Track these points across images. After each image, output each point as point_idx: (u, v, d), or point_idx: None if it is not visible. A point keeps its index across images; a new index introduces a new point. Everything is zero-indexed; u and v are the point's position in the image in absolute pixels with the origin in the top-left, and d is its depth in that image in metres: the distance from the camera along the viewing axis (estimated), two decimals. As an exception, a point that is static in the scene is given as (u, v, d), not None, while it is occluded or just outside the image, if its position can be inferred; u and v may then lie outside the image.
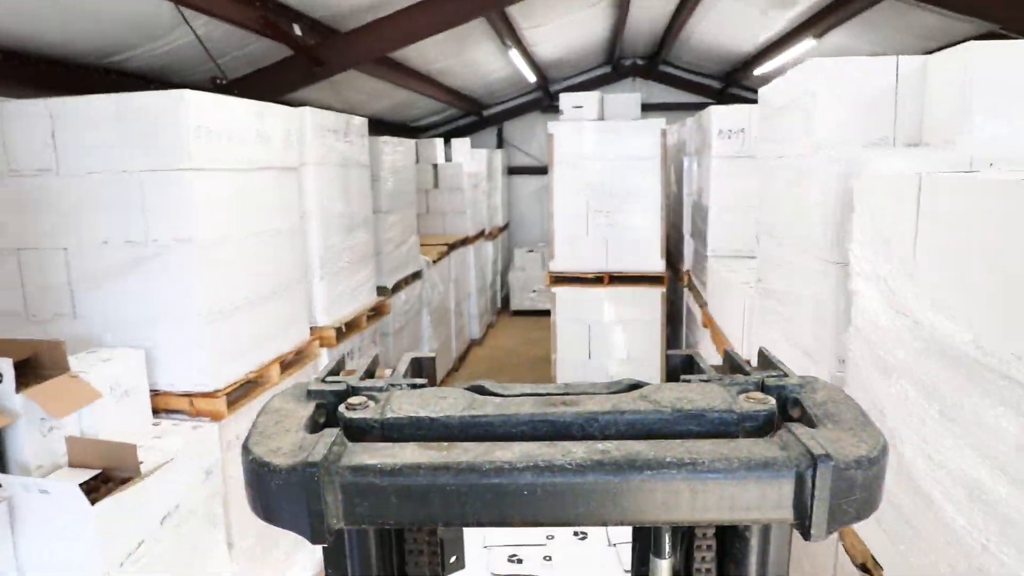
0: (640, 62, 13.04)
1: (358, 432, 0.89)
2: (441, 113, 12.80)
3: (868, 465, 0.78)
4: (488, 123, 13.78)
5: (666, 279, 6.54)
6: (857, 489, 0.77)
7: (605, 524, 0.81)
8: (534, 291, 12.36)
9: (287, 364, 4.17)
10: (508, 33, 7.87)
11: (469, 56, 8.97)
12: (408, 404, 0.92)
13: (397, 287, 6.91)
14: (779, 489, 0.77)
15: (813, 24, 7.81)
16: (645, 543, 1.06)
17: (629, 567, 1.20)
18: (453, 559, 1.07)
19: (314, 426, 0.91)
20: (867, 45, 8.26)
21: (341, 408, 0.92)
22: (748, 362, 1.08)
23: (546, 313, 7.54)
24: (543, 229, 14.00)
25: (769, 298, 3.28)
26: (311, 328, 4.58)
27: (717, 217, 5.22)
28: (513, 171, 13.96)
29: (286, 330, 4.15)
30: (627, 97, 6.70)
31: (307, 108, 4.43)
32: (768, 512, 0.79)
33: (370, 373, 1.10)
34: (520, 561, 2.26)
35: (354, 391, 0.98)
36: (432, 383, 1.09)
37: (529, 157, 13.85)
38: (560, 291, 6.75)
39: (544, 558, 2.26)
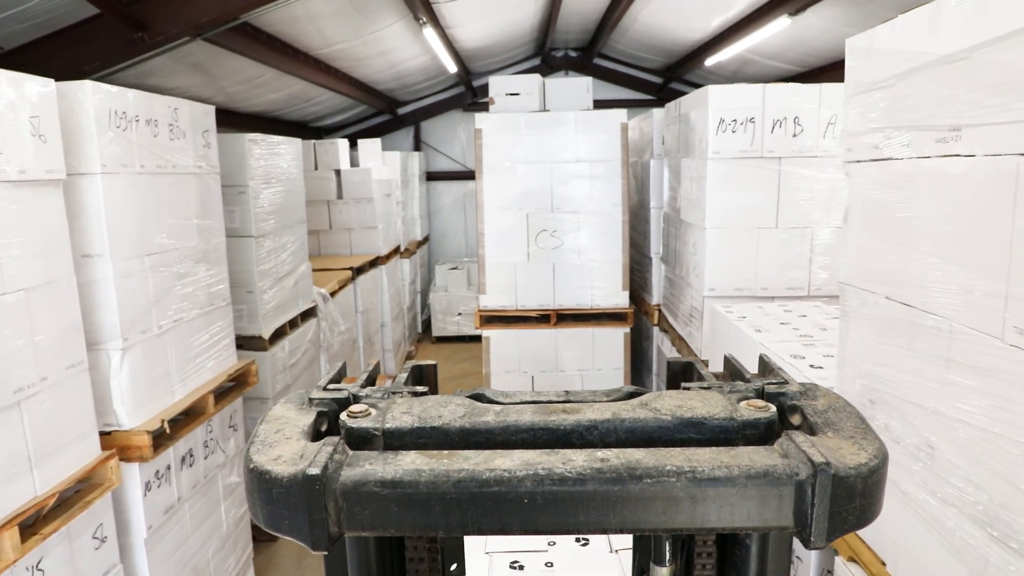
0: (573, 54, 11.65)
1: (359, 440, 0.89)
2: (348, 111, 11.08)
3: (868, 473, 0.76)
4: (403, 123, 12.14)
5: (631, 317, 5.07)
6: (857, 497, 0.76)
7: (605, 532, 0.80)
8: (459, 313, 10.80)
9: (48, 513, 2.46)
10: (422, 6, 6.27)
11: (376, 37, 7.32)
12: (409, 412, 0.92)
13: (280, 334, 5.23)
14: (779, 497, 0.76)
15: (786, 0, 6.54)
16: (646, 550, 1.05)
17: (630, 573, 1.18)
18: (454, 566, 1.06)
19: (316, 434, 0.91)
20: (844, 27, 7.07)
21: (343, 416, 0.92)
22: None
23: (474, 339, 6.11)
24: (468, 242, 12.43)
25: (894, 416, 1.81)
26: (106, 434, 2.88)
27: (716, 243, 3.76)
28: (432, 176, 12.35)
29: (44, 457, 2.44)
30: (575, 82, 5.21)
31: (86, 82, 2.73)
32: (768, 520, 0.77)
33: (371, 380, 1.08)
34: (522, 567, 2.20)
35: (355, 399, 0.98)
36: (433, 391, 1.08)
37: (451, 160, 12.26)
38: (494, 335, 5.18)
39: (545, 564, 2.19)
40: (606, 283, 5.06)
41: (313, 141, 8.47)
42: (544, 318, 5.15)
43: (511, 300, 5.13)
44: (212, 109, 3.74)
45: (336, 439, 0.82)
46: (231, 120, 8.41)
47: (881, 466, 0.77)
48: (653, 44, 10.23)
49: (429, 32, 6.93)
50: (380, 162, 9.29)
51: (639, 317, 5.60)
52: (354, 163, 9.16)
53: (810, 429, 0.87)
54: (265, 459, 0.80)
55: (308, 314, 5.89)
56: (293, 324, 5.52)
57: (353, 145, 9.33)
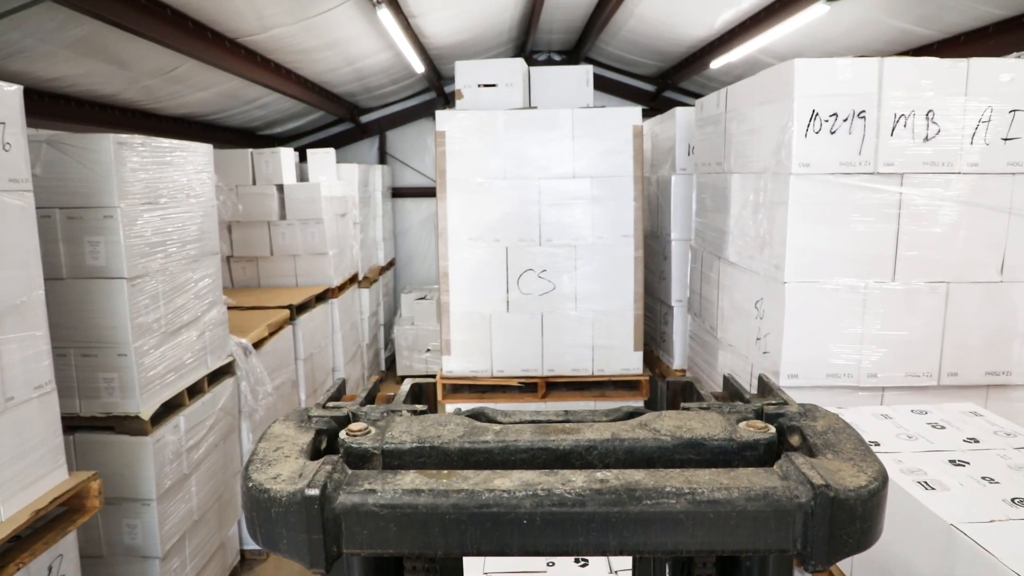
0: (557, 57, 10.43)
1: (358, 459, 0.89)
2: (302, 117, 9.74)
3: (869, 496, 0.74)
4: (367, 132, 10.84)
5: (646, 386, 3.76)
6: (858, 520, 0.74)
7: (605, 554, 0.78)
8: (428, 350, 9.45)
9: None
10: (373, -20, 4.96)
11: (323, 22, 5.98)
12: (408, 431, 0.92)
13: (174, 406, 3.89)
14: (779, 519, 0.74)
15: (824, -18, 5.33)
16: (646, 571, 1.04)
17: None
18: None
19: (315, 452, 0.90)
20: (889, 17, 5.90)
21: (342, 435, 0.92)
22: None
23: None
24: (439, 266, 11.11)
25: None
26: None
27: (800, 304, 2.46)
28: (399, 193, 11.04)
29: None
30: (570, 71, 3.93)
31: None
32: (768, 542, 0.75)
33: (371, 398, 1.08)
34: None
35: (355, 417, 0.98)
36: (432, 409, 1.08)
37: (420, 175, 10.95)
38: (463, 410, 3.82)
39: None
40: (613, 341, 3.75)
41: (251, 150, 7.11)
42: (530, 387, 3.83)
43: (485, 364, 3.80)
44: (17, 90, 2.38)
45: (335, 458, 0.81)
46: (152, 124, 7.02)
47: (881, 488, 0.75)
48: (649, 45, 9.01)
49: (386, 17, 5.61)
50: (334, 176, 7.94)
51: (655, 386, 4.28)
52: (304, 177, 7.82)
53: (809, 451, 0.84)
54: (264, 478, 0.78)
55: (222, 373, 4.52)
56: (196, 391, 4.15)
57: (302, 157, 7.98)
